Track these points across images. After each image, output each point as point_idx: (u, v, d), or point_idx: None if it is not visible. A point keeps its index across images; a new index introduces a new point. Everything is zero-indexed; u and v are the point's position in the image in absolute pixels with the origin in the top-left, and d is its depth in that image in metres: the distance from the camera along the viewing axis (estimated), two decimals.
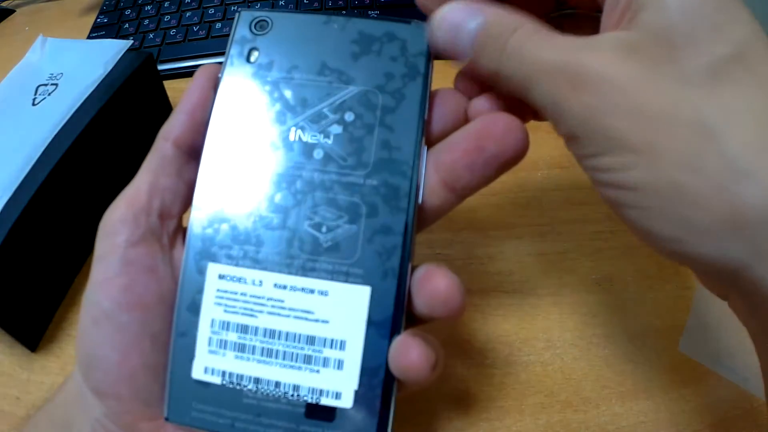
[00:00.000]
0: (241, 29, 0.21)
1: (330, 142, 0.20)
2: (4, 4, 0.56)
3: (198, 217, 0.19)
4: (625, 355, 0.28)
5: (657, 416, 0.25)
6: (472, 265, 0.31)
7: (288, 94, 0.20)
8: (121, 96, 0.32)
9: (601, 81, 0.16)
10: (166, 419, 0.19)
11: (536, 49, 0.17)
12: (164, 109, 0.39)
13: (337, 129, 0.20)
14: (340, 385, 0.19)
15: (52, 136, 0.29)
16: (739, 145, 0.14)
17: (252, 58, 0.20)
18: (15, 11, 0.55)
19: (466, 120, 0.21)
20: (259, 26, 0.20)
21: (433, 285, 0.18)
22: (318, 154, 0.20)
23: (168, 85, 0.39)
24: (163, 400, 0.19)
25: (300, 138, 0.20)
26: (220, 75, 0.20)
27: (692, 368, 0.27)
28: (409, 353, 0.18)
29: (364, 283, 0.19)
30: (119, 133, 0.33)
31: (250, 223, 0.19)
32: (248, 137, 0.20)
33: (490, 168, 0.19)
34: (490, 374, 0.27)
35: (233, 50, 0.20)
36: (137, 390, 0.19)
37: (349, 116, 0.20)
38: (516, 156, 0.19)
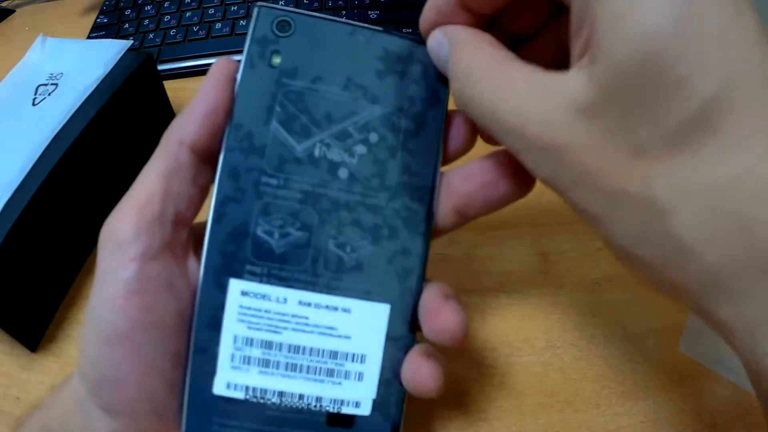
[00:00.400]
0: (261, 27, 0.19)
1: (355, 162, 0.20)
2: (4, 4, 0.56)
3: (216, 230, 0.19)
4: (625, 355, 0.28)
5: (657, 416, 0.25)
6: (472, 265, 0.31)
7: (313, 106, 0.19)
8: (121, 96, 0.32)
9: (559, 150, 0.15)
10: None
11: (495, 98, 0.16)
12: (164, 109, 0.39)
13: (362, 149, 0.20)
14: (360, 395, 0.20)
15: (52, 136, 0.29)
16: (685, 225, 0.14)
17: (274, 62, 0.19)
18: (15, 11, 0.55)
19: (474, 139, 0.21)
20: (281, 27, 0.19)
21: (443, 320, 0.19)
22: (343, 173, 0.20)
23: (168, 85, 0.39)
24: (179, 413, 0.19)
25: (325, 155, 0.19)
26: (237, 75, 0.19)
27: (692, 368, 0.27)
28: (421, 372, 0.19)
29: (384, 301, 0.20)
30: (119, 133, 0.33)
31: (273, 240, 0.19)
32: (271, 148, 0.19)
33: (501, 203, 0.20)
34: (490, 374, 0.27)
35: (253, 50, 0.19)
36: (155, 407, 0.18)
37: (373, 137, 0.20)
38: (524, 194, 0.20)
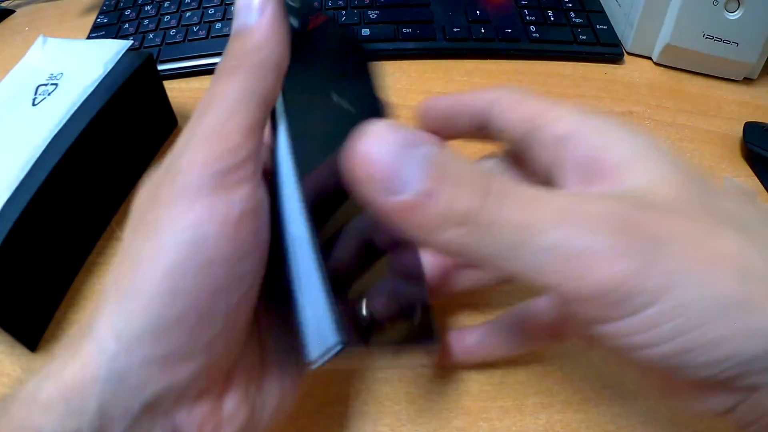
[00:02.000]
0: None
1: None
2: (4, 4, 0.56)
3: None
4: None
5: (657, 416, 0.25)
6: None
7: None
8: (121, 96, 0.32)
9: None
10: (311, 362, 0.17)
11: (521, 213, 0.15)
12: (164, 109, 0.39)
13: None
14: None
15: (52, 136, 0.29)
16: None
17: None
18: (15, 11, 0.55)
19: None
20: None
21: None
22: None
23: (168, 85, 0.39)
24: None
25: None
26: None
27: None
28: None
29: None
30: (119, 134, 0.33)
31: None
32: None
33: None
34: (490, 374, 0.27)
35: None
36: (236, 343, 0.17)
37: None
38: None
